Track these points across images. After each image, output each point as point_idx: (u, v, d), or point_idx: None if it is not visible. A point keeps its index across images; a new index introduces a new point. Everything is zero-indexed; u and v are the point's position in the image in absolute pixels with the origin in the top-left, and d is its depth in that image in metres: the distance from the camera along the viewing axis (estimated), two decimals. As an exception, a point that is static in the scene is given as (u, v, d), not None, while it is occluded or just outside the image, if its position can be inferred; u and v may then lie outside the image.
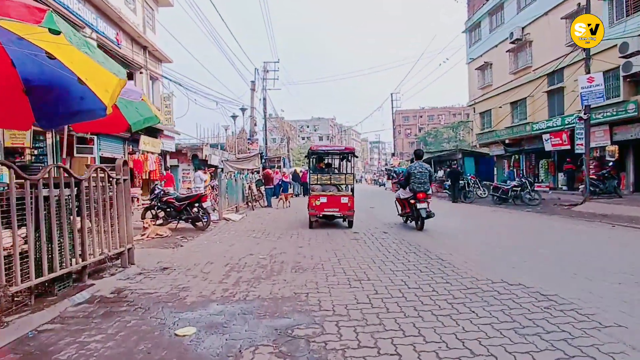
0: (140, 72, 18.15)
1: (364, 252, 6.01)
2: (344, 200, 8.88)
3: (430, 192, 8.73)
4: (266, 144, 31.07)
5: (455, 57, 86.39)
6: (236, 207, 12.68)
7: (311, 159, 10.18)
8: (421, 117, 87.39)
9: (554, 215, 10.88)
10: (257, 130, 24.45)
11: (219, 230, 8.60)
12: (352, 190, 9.33)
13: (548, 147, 20.42)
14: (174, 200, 8.75)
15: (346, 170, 10.08)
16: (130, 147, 16.10)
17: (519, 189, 14.30)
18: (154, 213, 9.11)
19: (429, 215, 8.17)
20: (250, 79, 23.74)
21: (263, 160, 20.85)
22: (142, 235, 7.69)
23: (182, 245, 6.84)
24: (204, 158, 24.12)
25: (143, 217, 9.15)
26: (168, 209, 8.89)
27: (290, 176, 26.71)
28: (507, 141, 24.51)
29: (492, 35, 25.62)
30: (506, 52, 23.65)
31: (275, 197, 18.83)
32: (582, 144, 12.36)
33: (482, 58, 26.82)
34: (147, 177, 17.29)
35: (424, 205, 8.18)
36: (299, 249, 6.38)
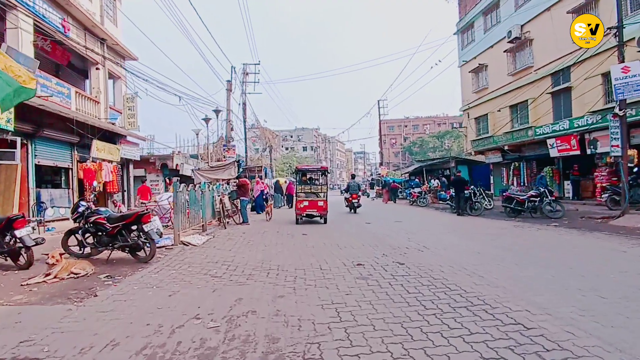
0: (97, 68, 15.65)
1: (384, 308, 3.69)
2: (320, 203, 12.41)
3: (359, 194, 17.48)
4: (246, 152, 28.61)
5: (445, 61, 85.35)
6: (203, 225, 10.20)
7: (297, 175, 14.08)
8: (406, 126, 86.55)
9: (595, 232, 8.81)
10: (233, 136, 21.99)
11: (166, 263, 6.12)
12: (326, 196, 12.95)
13: (554, 153, 18.73)
14: (104, 221, 6.26)
15: (321, 183, 14.46)
16: (77, 153, 13.44)
17: (538, 199, 12.32)
18: (79, 239, 6.59)
19: (359, 205, 16.85)
20: (226, 78, 21.22)
21: (241, 170, 18.42)
22: (46, 275, 5.18)
23: (96, 295, 4.37)
24: (174, 167, 21.52)
25: (64, 245, 6.61)
26: (98, 233, 6.39)
27: (273, 187, 24.69)
28: (505, 147, 22.79)
29: (487, 36, 24.12)
30: (504, 52, 22.09)
31: (254, 211, 16.37)
32: (617, 145, 10.43)
33: (477, 60, 25.27)
34: (103, 189, 14.65)
35: (355, 200, 16.67)
36: (278, 300, 4.01)
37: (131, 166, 17.99)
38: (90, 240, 6.54)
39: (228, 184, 15.87)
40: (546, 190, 12.36)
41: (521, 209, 12.66)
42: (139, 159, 18.41)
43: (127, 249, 6.28)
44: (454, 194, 16.28)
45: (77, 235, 6.60)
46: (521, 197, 12.76)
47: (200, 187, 10.51)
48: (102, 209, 6.69)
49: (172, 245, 7.64)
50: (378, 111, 39.62)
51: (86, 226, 6.42)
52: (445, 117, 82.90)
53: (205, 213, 10.36)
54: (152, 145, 25.22)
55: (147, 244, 6.18)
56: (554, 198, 12.14)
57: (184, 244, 7.89)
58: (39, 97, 11.62)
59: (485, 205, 15.33)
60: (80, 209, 6.42)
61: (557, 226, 10.08)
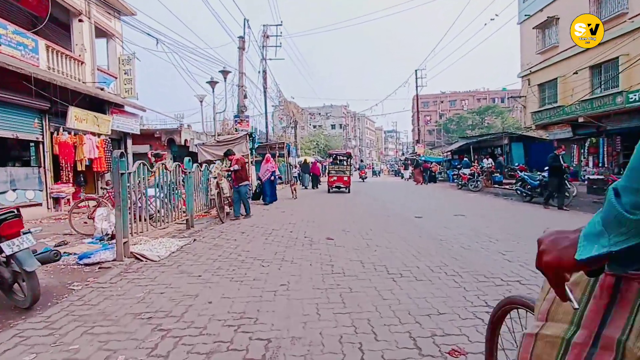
0: (80, 20, 12.84)
1: None
2: (345, 178, 17.69)
3: (366, 171, 34.98)
4: (267, 127, 25.51)
5: (488, 27, 76.65)
6: (187, 219, 7.22)
7: (330, 157, 20.10)
8: (442, 102, 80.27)
9: None
10: (250, 107, 18.87)
11: (54, 316, 3.10)
12: (350, 173, 18.62)
13: (654, 124, 14.44)
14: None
15: (347, 163, 19.18)
16: (50, 123, 10.80)
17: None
18: None
19: (365, 177, 31.44)
20: (238, 34, 17.78)
21: (256, 145, 15.36)
22: None
23: None
24: (183, 143, 18.78)
25: None
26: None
27: (299, 167, 22.81)
28: (580, 120, 18.40)
29: (560, -20, 19.36)
30: (585, -3, 17.41)
31: (254, 199, 12.83)
32: None
33: (544, 12, 20.53)
34: (86, 168, 12.09)
35: (363, 175, 31.26)
36: None
37: (129, 141, 15.30)
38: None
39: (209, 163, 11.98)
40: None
41: None
42: (138, 132, 15.65)
43: (-6, 283, 3.33)
44: (525, 176, 12.60)
45: None
46: None
47: (186, 166, 7.44)
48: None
49: (111, 262, 4.65)
50: (415, 82, 35.31)
51: None
52: (485, 91, 76.22)
53: (191, 202, 7.36)
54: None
55: (22, 278, 3.18)
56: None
57: (138, 259, 4.91)
58: (-20, 46, 8.96)
59: (573, 192, 11.52)
60: None
61: None
